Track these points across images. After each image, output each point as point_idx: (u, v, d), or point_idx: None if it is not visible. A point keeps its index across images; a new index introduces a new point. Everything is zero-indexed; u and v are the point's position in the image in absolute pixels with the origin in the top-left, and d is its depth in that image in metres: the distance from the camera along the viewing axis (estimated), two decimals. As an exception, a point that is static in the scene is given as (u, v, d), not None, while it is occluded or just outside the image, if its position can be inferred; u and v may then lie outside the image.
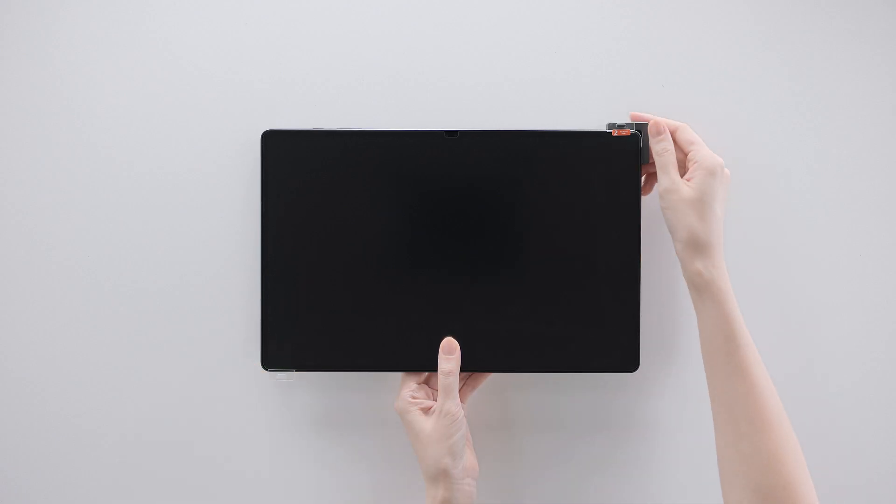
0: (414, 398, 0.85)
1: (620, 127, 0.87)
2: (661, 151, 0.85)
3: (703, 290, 0.81)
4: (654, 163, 0.85)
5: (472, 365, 0.88)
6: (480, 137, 0.88)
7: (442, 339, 0.87)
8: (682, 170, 0.85)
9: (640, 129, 0.86)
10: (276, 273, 0.88)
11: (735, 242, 0.90)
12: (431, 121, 0.90)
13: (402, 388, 0.87)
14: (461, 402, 0.85)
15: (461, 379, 0.87)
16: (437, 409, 0.84)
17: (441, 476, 0.82)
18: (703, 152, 0.83)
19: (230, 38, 0.90)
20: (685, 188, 0.83)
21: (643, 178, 0.88)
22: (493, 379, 0.90)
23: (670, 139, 0.85)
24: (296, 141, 0.88)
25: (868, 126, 0.91)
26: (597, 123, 0.89)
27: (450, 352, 0.85)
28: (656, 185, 0.85)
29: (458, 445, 0.83)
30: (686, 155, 0.85)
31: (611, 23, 0.90)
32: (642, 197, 0.87)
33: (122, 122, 0.90)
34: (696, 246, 0.82)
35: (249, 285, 0.90)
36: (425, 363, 0.88)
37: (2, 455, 0.91)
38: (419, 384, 0.87)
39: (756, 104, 0.91)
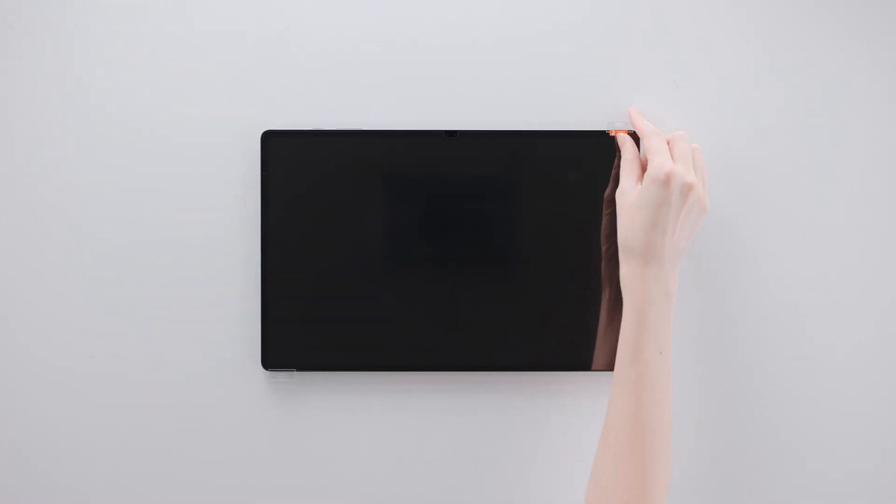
0: None
1: (619, 128, 0.87)
2: (625, 160, 0.85)
3: (624, 295, 0.82)
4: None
5: (472, 363, 0.88)
6: (480, 137, 0.88)
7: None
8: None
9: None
10: (275, 273, 0.88)
11: (738, 243, 0.90)
12: (431, 120, 0.90)
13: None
14: None
15: None
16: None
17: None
18: (656, 161, 0.81)
19: (230, 39, 0.90)
20: (631, 195, 0.82)
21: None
22: (489, 378, 0.90)
23: (635, 149, 0.85)
24: (296, 141, 0.88)
25: (874, 125, 0.91)
26: (596, 123, 0.89)
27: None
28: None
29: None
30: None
31: (611, 22, 0.90)
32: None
33: (121, 122, 0.90)
34: (624, 250, 0.82)
35: (249, 285, 0.90)
36: (426, 363, 0.88)
37: (1, 456, 0.91)
38: None
39: (758, 104, 0.90)
